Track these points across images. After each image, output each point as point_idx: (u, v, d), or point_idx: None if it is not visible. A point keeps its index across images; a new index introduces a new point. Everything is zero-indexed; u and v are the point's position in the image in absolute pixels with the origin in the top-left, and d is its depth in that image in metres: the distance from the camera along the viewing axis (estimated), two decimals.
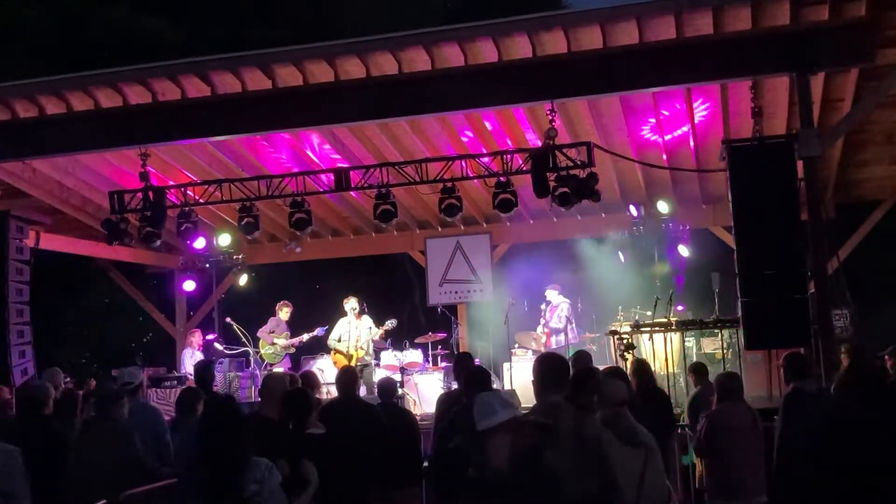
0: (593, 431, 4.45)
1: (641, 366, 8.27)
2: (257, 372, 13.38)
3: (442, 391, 10.88)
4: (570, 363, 5.11)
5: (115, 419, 6.58)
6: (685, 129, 11.53)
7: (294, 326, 14.00)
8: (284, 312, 13.92)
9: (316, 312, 14.28)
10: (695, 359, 11.52)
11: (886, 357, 9.67)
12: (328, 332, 13.16)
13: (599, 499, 4.31)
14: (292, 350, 13.83)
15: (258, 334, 13.78)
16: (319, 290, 17.81)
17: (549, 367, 4.61)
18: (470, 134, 11.54)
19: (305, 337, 13.75)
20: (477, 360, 13.50)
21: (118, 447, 6.32)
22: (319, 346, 13.89)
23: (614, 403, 5.05)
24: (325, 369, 12.81)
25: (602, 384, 5.33)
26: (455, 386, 8.62)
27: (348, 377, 7.17)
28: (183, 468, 6.63)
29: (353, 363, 12.65)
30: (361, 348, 12.83)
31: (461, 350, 14.09)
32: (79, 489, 6.17)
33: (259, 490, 4.18)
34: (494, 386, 11.57)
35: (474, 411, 4.03)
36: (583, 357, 7.81)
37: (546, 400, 4.49)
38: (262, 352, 13.66)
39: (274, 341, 13.65)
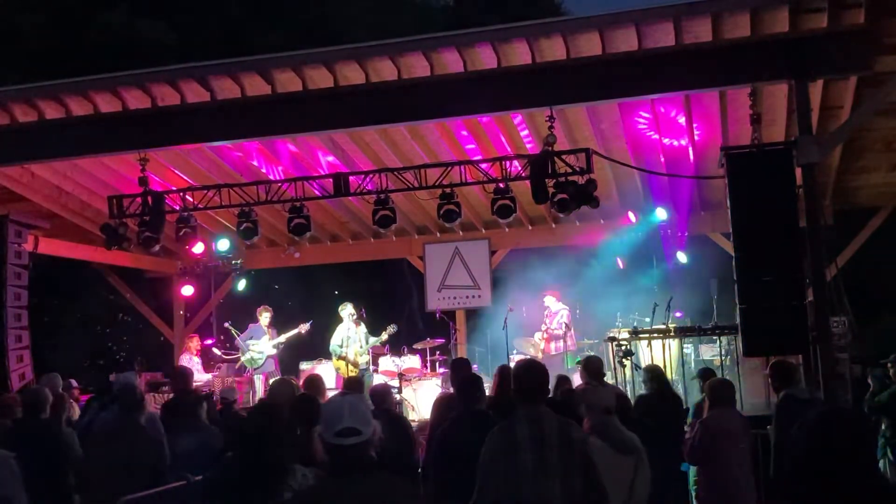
0: (579, 435, 4.48)
1: (655, 371, 8.29)
2: (255, 377, 13.35)
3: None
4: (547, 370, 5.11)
5: (141, 426, 6.55)
6: (684, 141, 11.53)
7: (288, 329, 13.87)
8: (264, 317, 13.80)
9: (314, 318, 14.24)
10: (693, 365, 11.52)
11: (889, 364, 9.68)
12: (331, 338, 13.12)
13: (584, 499, 4.32)
14: (273, 351, 13.71)
15: (235, 343, 13.73)
16: (318, 296, 17.79)
17: (529, 376, 4.66)
18: (469, 140, 11.55)
19: (283, 338, 13.61)
20: (475, 366, 13.52)
21: (147, 456, 6.29)
22: (315, 352, 13.86)
23: (601, 411, 5.06)
24: (325, 375, 12.77)
25: (588, 392, 5.34)
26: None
27: (353, 386, 7.29)
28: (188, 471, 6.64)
29: (356, 369, 12.64)
30: (365, 354, 12.84)
31: (458, 356, 14.10)
32: (93, 488, 6.16)
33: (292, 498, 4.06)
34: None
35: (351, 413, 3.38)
36: (593, 362, 7.83)
37: (528, 408, 4.51)
38: (242, 359, 13.58)
39: (250, 348, 13.53)
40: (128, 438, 6.30)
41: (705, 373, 9.11)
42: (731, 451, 6.72)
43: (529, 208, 13.85)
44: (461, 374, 6.66)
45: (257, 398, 13.07)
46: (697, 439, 6.87)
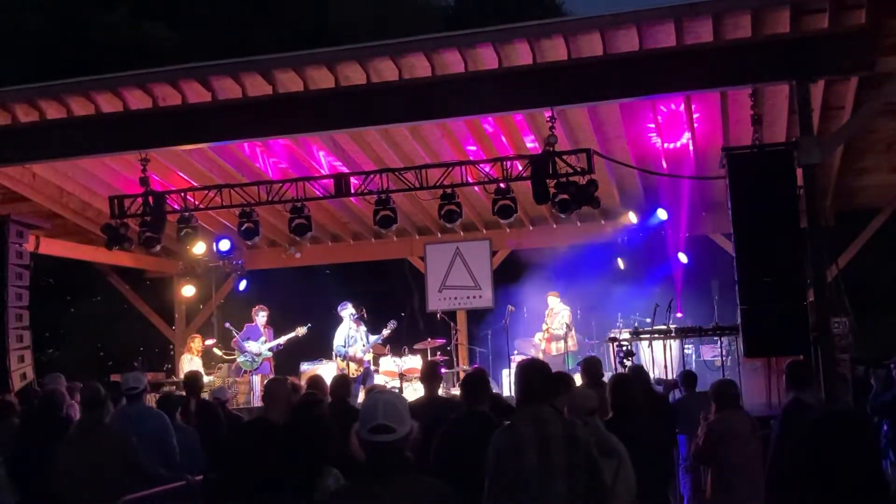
0: (584, 435, 4.46)
1: (640, 373, 8.27)
2: (253, 378, 13.32)
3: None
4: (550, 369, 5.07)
5: (105, 424, 6.55)
6: (685, 140, 11.53)
7: (287, 330, 13.80)
8: (261, 317, 13.66)
9: (315, 318, 14.23)
10: (694, 366, 11.52)
11: (892, 365, 9.68)
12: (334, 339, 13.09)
13: (589, 499, 4.31)
14: (269, 354, 13.59)
15: (232, 344, 13.68)
16: (318, 296, 17.78)
17: (534, 376, 4.60)
18: (470, 140, 11.55)
19: (282, 340, 13.54)
20: (475, 364, 13.53)
21: (116, 452, 6.29)
22: (317, 352, 13.84)
23: (585, 413, 5.06)
24: (328, 376, 12.74)
25: (573, 394, 5.33)
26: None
27: (340, 384, 7.33)
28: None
29: (361, 367, 12.63)
30: (368, 352, 12.86)
31: (458, 355, 14.11)
32: (74, 494, 6.15)
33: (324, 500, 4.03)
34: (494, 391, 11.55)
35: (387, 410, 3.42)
36: (593, 364, 7.80)
37: (532, 408, 4.49)
38: (238, 360, 13.48)
39: (246, 349, 13.40)
40: (91, 437, 6.30)
41: (687, 376, 9.08)
42: (740, 452, 6.69)
43: (530, 208, 13.85)
44: (467, 375, 6.62)
45: (256, 399, 13.07)
46: (703, 441, 6.86)
